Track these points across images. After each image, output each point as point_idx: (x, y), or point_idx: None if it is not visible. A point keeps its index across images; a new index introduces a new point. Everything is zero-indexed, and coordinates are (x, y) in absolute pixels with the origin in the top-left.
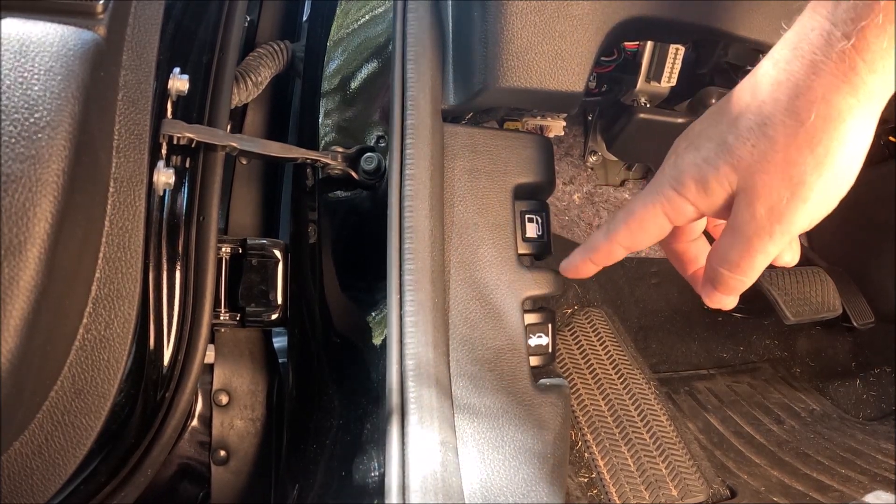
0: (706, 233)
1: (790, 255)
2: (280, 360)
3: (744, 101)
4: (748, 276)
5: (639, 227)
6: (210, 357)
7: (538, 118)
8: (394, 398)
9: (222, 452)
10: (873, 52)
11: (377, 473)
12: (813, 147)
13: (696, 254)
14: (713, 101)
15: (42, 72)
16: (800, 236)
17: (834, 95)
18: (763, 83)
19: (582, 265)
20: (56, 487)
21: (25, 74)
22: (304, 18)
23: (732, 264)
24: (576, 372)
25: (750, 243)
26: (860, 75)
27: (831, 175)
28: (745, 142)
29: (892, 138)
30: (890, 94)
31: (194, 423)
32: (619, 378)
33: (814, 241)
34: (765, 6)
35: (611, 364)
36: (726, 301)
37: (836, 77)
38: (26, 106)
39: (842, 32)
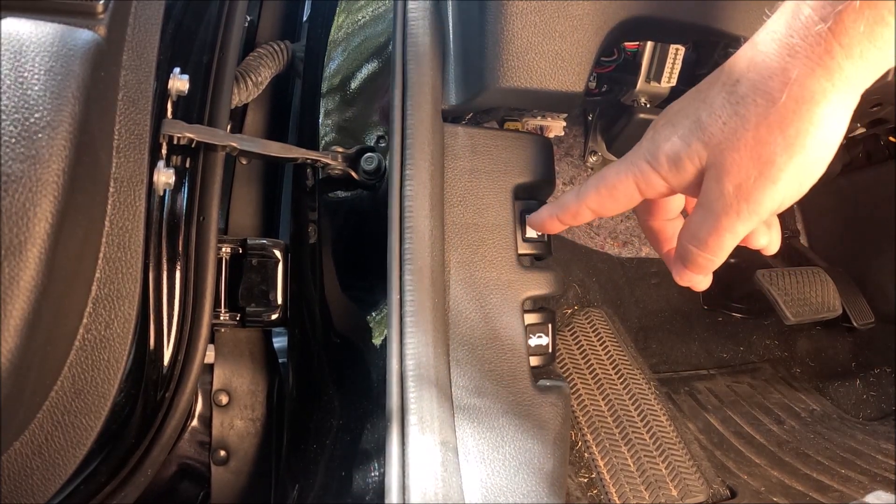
0: (685, 214)
1: (766, 239)
2: (280, 361)
3: (720, 80)
4: (716, 255)
5: (609, 193)
6: (210, 357)
7: (538, 118)
8: (394, 398)
9: (222, 452)
10: (850, 37)
11: (377, 473)
12: (784, 128)
13: (673, 233)
14: None
15: (42, 72)
16: (800, 237)
17: (808, 78)
18: (739, 64)
19: (549, 221)
20: (56, 487)
21: (25, 74)
22: (305, 18)
23: (701, 242)
24: (576, 372)
25: (718, 221)
26: (836, 59)
27: (801, 158)
28: (717, 119)
29: (892, 138)
30: (868, 82)
31: (194, 423)
32: (619, 378)
33: (814, 242)
34: (765, 6)
35: (611, 364)
36: (696, 280)
37: (810, 59)
38: (26, 106)
39: (819, 16)
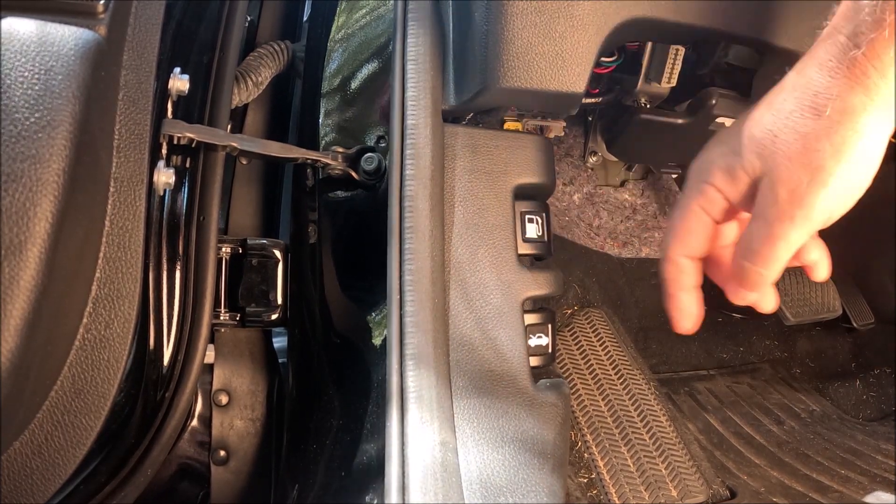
0: None
1: (816, 254)
2: (280, 361)
3: (768, 102)
4: (769, 268)
5: (685, 231)
6: (210, 357)
7: (538, 118)
8: (394, 398)
9: (222, 452)
10: (883, 61)
11: (377, 474)
12: (831, 136)
13: (727, 258)
14: (713, 101)
15: (42, 71)
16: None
17: (848, 94)
18: (786, 87)
19: (683, 309)
20: (56, 487)
21: (26, 74)
22: (305, 18)
23: (755, 253)
24: (576, 372)
25: (771, 228)
26: (871, 79)
27: (848, 164)
28: (768, 133)
29: (892, 139)
30: None
31: (194, 423)
32: (618, 378)
33: None
34: (764, 7)
35: (611, 364)
36: (749, 297)
37: (849, 79)
38: (27, 105)
39: (854, 43)
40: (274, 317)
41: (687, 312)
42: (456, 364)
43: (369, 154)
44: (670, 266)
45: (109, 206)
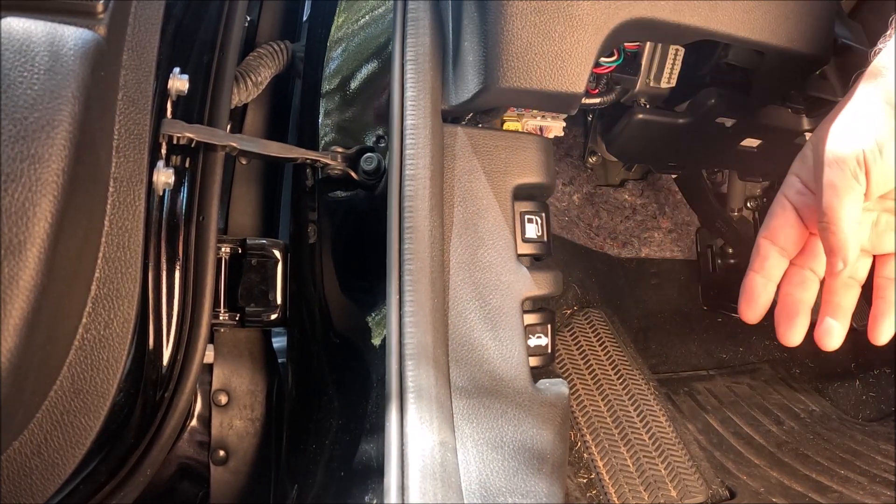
0: None
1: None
2: (279, 361)
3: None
4: (841, 225)
5: (769, 214)
6: (209, 357)
7: (538, 118)
8: (393, 398)
9: (221, 452)
10: None
11: (377, 474)
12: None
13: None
14: (712, 101)
15: (42, 71)
16: None
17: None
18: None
19: (747, 290)
20: (55, 487)
21: (25, 74)
22: (304, 18)
23: (827, 210)
24: (575, 372)
25: (837, 189)
26: None
27: None
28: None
29: None
30: None
31: (193, 422)
32: (618, 379)
33: None
34: (764, 7)
35: (610, 365)
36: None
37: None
38: (26, 105)
39: None
40: (273, 317)
41: (752, 296)
42: (455, 364)
43: (369, 154)
44: (755, 248)
45: (109, 206)
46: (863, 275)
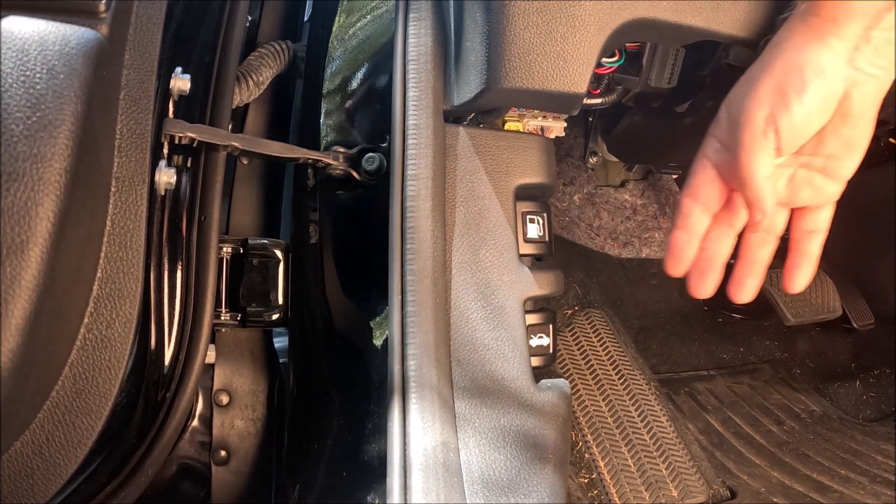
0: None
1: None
2: (281, 361)
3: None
4: (751, 179)
5: (690, 173)
6: (211, 357)
7: (539, 119)
8: (395, 398)
9: (223, 452)
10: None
11: (379, 474)
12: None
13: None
14: (712, 102)
15: (44, 70)
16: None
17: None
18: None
19: (672, 246)
20: (57, 487)
21: (28, 73)
22: (306, 18)
23: (739, 167)
24: (576, 373)
25: (747, 146)
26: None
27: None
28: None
29: (892, 140)
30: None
31: (195, 423)
32: (619, 379)
33: None
34: (765, 8)
35: (611, 365)
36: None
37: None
38: (28, 104)
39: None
40: (275, 317)
41: (675, 252)
42: (457, 364)
43: (370, 154)
44: (678, 207)
45: (111, 206)
46: (780, 228)
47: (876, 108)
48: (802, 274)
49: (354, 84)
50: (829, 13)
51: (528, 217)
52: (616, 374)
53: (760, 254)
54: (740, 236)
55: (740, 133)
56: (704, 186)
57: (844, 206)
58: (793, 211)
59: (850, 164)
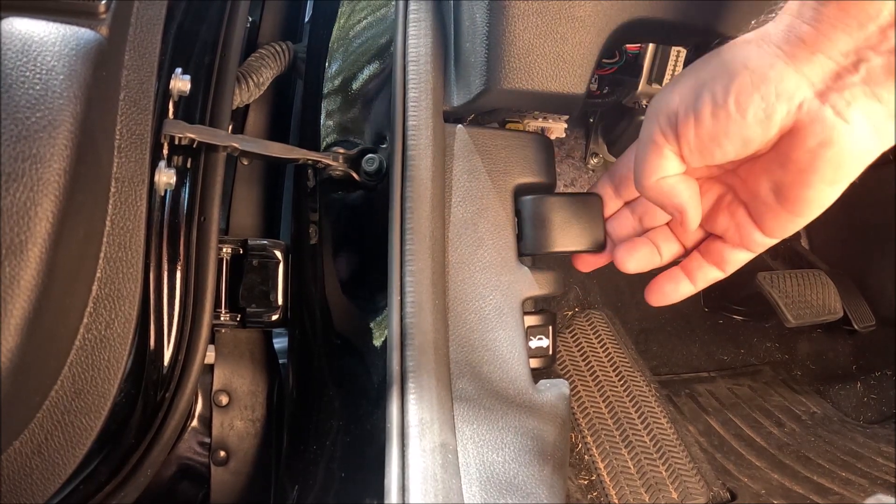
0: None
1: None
2: (280, 361)
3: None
4: (641, 182)
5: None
6: (210, 357)
7: (539, 120)
8: (394, 399)
9: (222, 453)
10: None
11: (377, 474)
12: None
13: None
14: None
15: (44, 71)
16: (801, 239)
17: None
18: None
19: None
20: (55, 487)
21: (27, 73)
22: (306, 19)
23: (638, 163)
24: (576, 374)
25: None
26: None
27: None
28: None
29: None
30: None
31: (194, 423)
32: (619, 380)
33: (815, 244)
34: (766, 8)
35: (611, 366)
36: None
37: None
38: (28, 105)
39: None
40: (274, 317)
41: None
42: (456, 365)
43: (370, 155)
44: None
45: (110, 206)
46: (690, 242)
47: (843, 172)
48: (675, 292)
49: (355, 85)
50: (828, 21)
51: None
52: (616, 375)
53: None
54: None
55: (644, 128)
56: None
57: (845, 207)
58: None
59: (777, 221)
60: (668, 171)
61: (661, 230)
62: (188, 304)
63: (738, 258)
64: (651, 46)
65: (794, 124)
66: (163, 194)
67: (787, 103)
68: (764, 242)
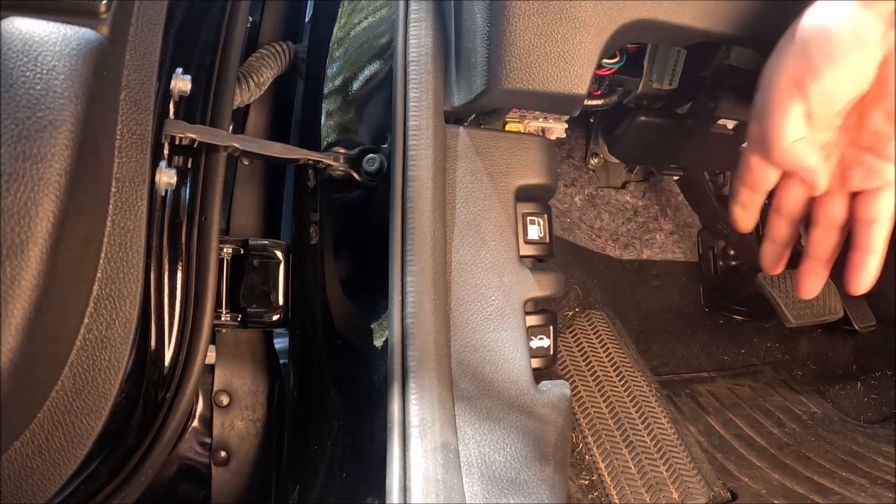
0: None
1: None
2: (281, 361)
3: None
4: (777, 141)
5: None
6: (211, 358)
7: (540, 120)
8: (395, 399)
9: (223, 453)
10: None
11: (378, 474)
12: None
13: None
14: (715, 103)
15: (45, 71)
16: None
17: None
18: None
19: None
20: (56, 487)
21: (28, 73)
22: (307, 19)
23: (763, 128)
24: (577, 374)
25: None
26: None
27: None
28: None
29: None
30: None
31: (195, 423)
32: (620, 380)
33: None
34: (767, 8)
35: (612, 366)
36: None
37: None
38: (29, 105)
39: None
40: (275, 318)
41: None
42: (457, 365)
43: (371, 155)
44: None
45: (111, 206)
46: (838, 218)
47: None
48: (864, 272)
49: (355, 85)
50: None
51: (529, 218)
52: (617, 375)
53: (820, 250)
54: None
55: (767, 98)
56: (750, 171)
57: None
58: (851, 199)
59: None
60: (798, 134)
61: (817, 234)
62: (189, 305)
63: (884, 202)
64: (651, 47)
65: (886, 54)
66: (163, 194)
67: (880, 45)
68: (893, 173)
